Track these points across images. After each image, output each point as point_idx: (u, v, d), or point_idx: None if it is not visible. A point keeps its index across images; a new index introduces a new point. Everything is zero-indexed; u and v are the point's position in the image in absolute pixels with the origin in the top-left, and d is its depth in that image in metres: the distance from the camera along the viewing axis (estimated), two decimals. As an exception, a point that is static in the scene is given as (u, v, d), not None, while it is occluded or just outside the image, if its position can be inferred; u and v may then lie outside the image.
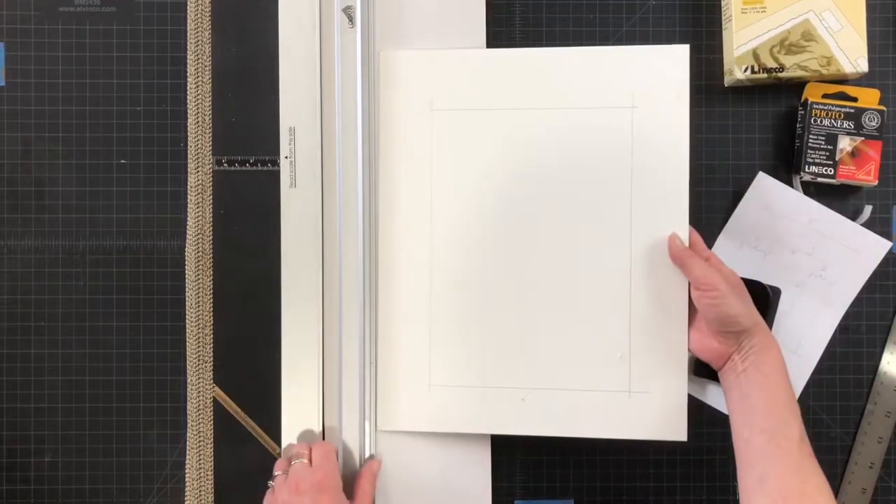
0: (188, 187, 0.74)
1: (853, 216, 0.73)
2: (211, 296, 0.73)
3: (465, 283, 0.71)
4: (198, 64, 0.74)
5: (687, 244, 0.68)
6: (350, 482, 0.70)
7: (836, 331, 0.73)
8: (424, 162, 0.72)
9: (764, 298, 0.71)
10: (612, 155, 0.70)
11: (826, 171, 0.72)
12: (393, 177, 0.72)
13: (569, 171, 0.70)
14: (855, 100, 0.73)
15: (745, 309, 0.64)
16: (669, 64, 0.70)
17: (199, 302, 0.73)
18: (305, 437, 0.72)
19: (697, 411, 0.73)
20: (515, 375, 0.70)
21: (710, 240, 0.73)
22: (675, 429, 0.69)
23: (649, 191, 0.70)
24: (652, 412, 0.69)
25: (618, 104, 0.70)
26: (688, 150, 0.69)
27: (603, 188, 0.70)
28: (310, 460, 0.66)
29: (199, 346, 0.73)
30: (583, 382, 0.70)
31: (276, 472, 0.67)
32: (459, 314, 0.71)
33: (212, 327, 0.73)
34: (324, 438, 0.72)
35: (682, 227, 0.69)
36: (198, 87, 0.74)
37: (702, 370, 0.72)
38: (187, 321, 0.73)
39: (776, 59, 0.71)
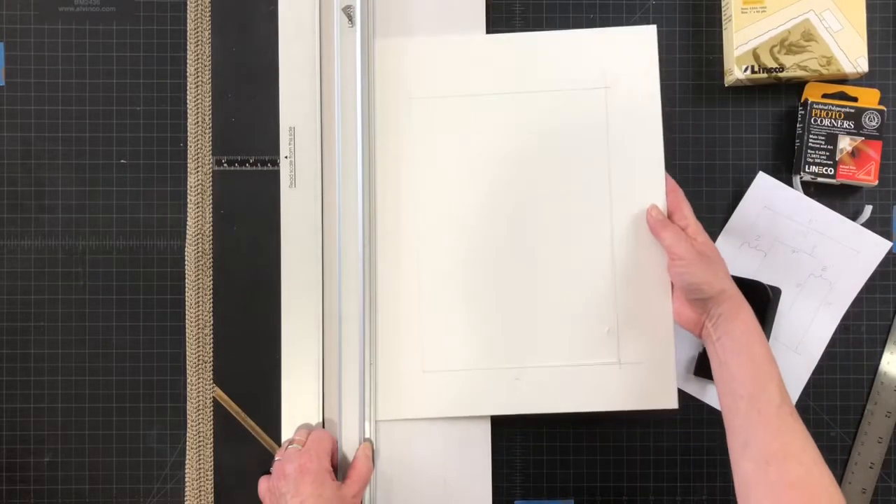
0: (188, 187, 0.74)
1: (853, 216, 0.73)
2: (211, 296, 0.73)
3: (452, 268, 0.72)
4: (198, 64, 0.74)
5: (665, 214, 0.70)
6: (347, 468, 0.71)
7: (836, 331, 0.73)
8: (406, 150, 0.72)
9: (764, 298, 0.71)
10: (589, 135, 0.72)
11: (826, 171, 0.72)
12: (382, 166, 0.73)
13: (549, 153, 0.72)
14: (855, 100, 0.73)
15: (709, 277, 0.65)
16: (638, 44, 0.72)
17: (199, 302, 0.73)
18: (309, 427, 0.72)
19: (697, 411, 0.73)
20: (507, 356, 0.71)
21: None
22: (665, 397, 0.71)
23: (626, 167, 0.72)
24: (642, 382, 0.71)
25: (592, 85, 0.72)
26: (660, 125, 0.72)
27: (582, 167, 0.72)
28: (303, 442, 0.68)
29: (199, 346, 0.73)
30: (573, 358, 0.71)
31: (276, 458, 0.68)
32: (448, 299, 0.72)
33: (212, 327, 0.73)
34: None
35: (658, 199, 0.71)
36: (198, 87, 0.74)
37: (701, 370, 0.72)
38: (187, 321, 0.73)
39: (776, 59, 0.71)
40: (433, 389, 0.72)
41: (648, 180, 0.71)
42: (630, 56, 0.72)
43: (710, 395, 0.73)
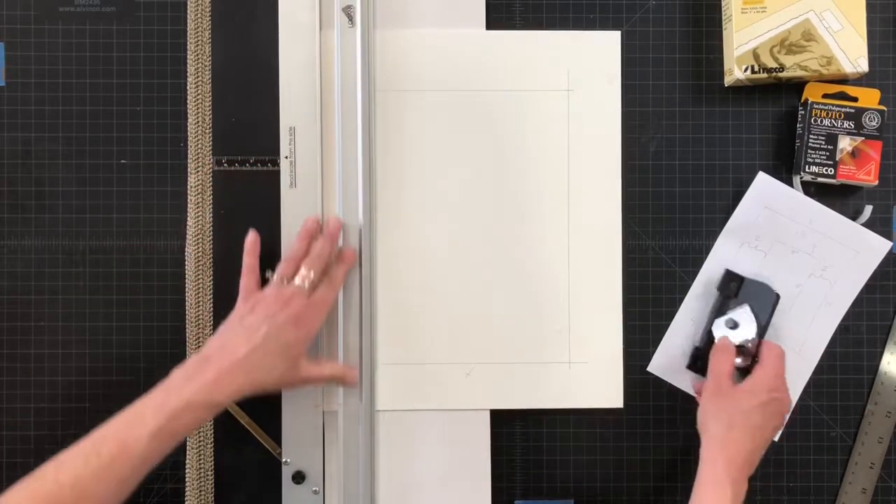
0: (188, 187, 0.74)
1: (853, 216, 0.73)
2: (211, 296, 0.73)
3: (408, 262, 0.73)
4: (198, 64, 0.74)
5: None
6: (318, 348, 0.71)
7: (836, 331, 0.73)
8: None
9: (767, 299, 0.71)
10: (550, 137, 0.73)
11: (826, 171, 0.72)
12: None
13: (510, 153, 0.73)
14: (855, 100, 0.73)
15: (703, 409, 0.66)
16: (602, 49, 0.73)
17: (199, 302, 0.73)
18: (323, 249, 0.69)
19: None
20: (459, 351, 0.72)
21: (710, 240, 0.74)
22: (611, 396, 0.73)
23: (585, 172, 0.73)
24: (590, 382, 0.73)
25: (555, 87, 0.73)
26: (620, 132, 0.73)
27: (542, 169, 0.73)
28: (312, 285, 0.67)
29: (199, 346, 0.73)
30: (525, 356, 0.73)
31: (280, 274, 0.67)
32: (403, 293, 0.73)
33: (212, 327, 0.73)
34: (324, 436, 0.72)
35: (615, 206, 0.73)
36: (198, 87, 0.74)
37: (694, 365, 0.72)
38: (187, 321, 0.73)
39: (776, 59, 0.71)
40: (384, 382, 0.73)
41: (605, 186, 0.73)
42: (593, 61, 0.73)
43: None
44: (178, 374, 0.62)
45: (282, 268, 0.68)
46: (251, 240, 0.69)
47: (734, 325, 0.71)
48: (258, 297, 0.66)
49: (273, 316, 0.64)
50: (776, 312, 0.72)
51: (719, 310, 0.72)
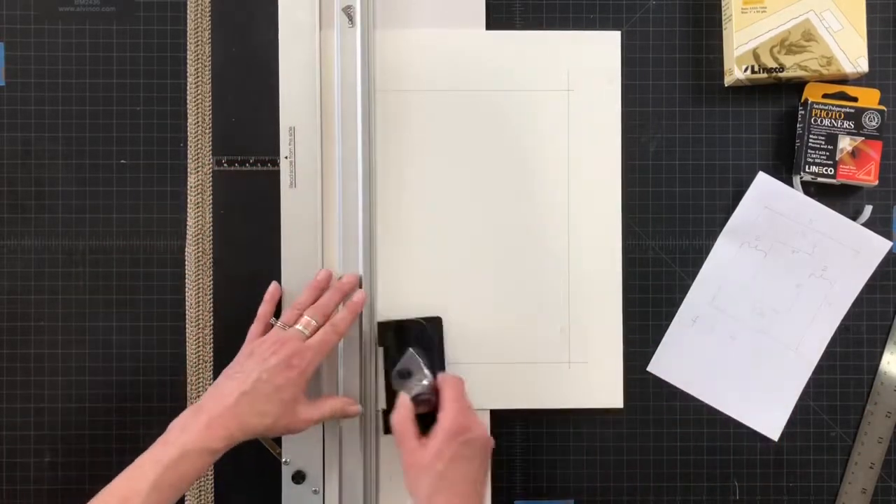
0: (188, 187, 0.74)
1: (853, 216, 0.73)
2: (211, 296, 0.73)
3: (409, 259, 0.73)
4: (198, 64, 0.74)
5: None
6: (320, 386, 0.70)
7: (836, 331, 0.73)
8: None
9: (425, 335, 0.69)
10: (551, 137, 0.73)
11: (826, 171, 0.72)
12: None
13: (510, 152, 0.73)
14: (855, 100, 0.73)
15: (406, 485, 0.63)
16: (602, 49, 0.73)
17: (199, 302, 0.73)
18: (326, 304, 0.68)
19: (697, 412, 0.73)
20: (460, 351, 0.72)
21: (710, 240, 0.74)
22: (611, 397, 0.73)
23: (585, 172, 0.73)
24: (590, 382, 0.73)
25: (555, 87, 0.73)
26: (620, 132, 0.73)
27: (542, 170, 0.73)
28: (313, 332, 0.66)
29: (199, 346, 0.73)
30: (525, 355, 0.73)
31: (282, 321, 0.67)
32: (402, 293, 0.73)
33: (212, 327, 0.73)
34: (324, 436, 0.72)
35: (615, 206, 0.73)
36: (198, 87, 0.74)
37: (388, 430, 0.68)
38: (187, 321, 0.73)
39: (776, 59, 0.71)
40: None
41: (605, 188, 0.73)
42: (593, 61, 0.73)
43: (710, 395, 0.73)
44: (174, 426, 0.62)
45: (285, 315, 0.68)
46: (271, 290, 0.71)
47: (407, 375, 0.68)
48: (257, 342, 0.67)
49: (265, 360, 0.64)
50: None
51: (390, 364, 0.70)
